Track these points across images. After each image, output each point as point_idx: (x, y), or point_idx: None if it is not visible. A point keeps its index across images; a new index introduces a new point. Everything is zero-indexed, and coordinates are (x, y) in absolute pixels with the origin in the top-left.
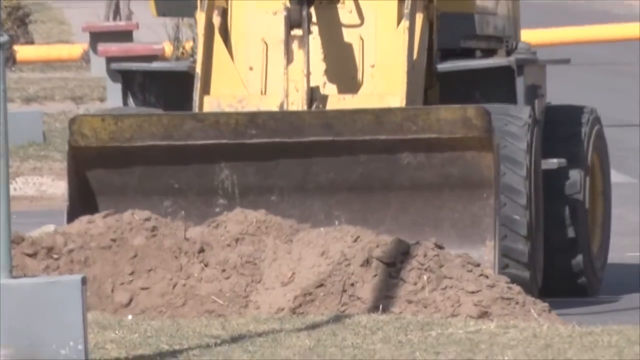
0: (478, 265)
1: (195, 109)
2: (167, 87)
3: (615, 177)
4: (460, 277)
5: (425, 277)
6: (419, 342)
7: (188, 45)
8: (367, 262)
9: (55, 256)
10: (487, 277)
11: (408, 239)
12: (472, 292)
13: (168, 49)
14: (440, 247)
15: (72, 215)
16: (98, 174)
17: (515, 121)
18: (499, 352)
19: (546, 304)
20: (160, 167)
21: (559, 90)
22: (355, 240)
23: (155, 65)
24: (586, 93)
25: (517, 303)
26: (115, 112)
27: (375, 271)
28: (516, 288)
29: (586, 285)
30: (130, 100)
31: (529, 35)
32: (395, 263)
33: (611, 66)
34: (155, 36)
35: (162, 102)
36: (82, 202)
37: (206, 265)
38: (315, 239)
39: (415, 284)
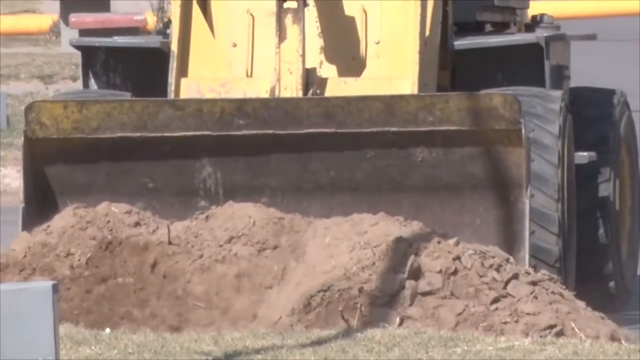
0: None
1: (171, 94)
2: (136, 67)
3: None
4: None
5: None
6: None
7: None
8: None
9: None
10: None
11: None
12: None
13: (151, 20)
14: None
15: (27, 219)
16: (59, 170)
17: (545, 103)
18: None
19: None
20: (131, 162)
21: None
22: (370, 239)
23: (121, 41)
24: (612, 72)
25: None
26: (74, 96)
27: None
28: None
29: (614, 296)
30: (92, 82)
31: (546, 7)
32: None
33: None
34: (135, 5)
35: (129, 84)
36: (39, 203)
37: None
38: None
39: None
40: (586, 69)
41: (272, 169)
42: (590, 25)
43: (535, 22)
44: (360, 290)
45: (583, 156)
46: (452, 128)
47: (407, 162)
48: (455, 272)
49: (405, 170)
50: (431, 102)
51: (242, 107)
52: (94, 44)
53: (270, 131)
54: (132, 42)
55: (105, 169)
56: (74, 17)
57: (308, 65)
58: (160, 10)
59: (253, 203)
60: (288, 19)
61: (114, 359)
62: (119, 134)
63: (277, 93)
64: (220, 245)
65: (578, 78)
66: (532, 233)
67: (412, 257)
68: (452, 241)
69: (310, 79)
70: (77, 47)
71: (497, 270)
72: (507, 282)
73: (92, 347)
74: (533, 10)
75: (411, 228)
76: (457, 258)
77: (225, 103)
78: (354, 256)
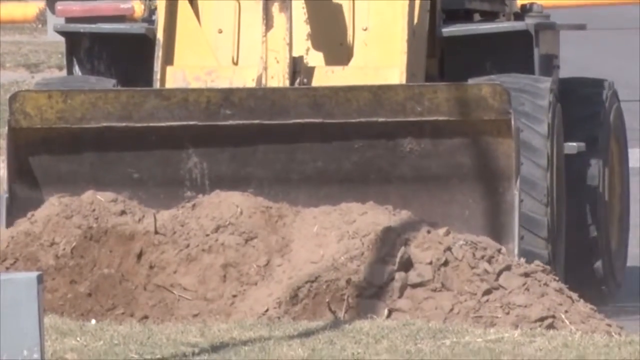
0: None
1: (157, 83)
2: (120, 54)
3: None
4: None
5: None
6: (430, 352)
7: None
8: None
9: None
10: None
11: None
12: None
13: (138, 8)
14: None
15: (11, 210)
16: (43, 160)
17: (533, 99)
18: None
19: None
20: (116, 153)
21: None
22: (358, 229)
23: (106, 27)
24: (600, 61)
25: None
26: (56, 83)
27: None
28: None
29: (605, 291)
30: (77, 69)
31: None
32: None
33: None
34: None
35: (113, 71)
36: (24, 194)
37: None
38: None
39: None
40: (575, 58)
41: (259, 159)
42: (579, 15)
43: (524, 11)
44: (348, 281)
45: (572, 147)
46: (441, 118)
47: (396, 152)
48: (445, 263)
49: (394, 161)
50: (420, 92)
51: (228, 97)
52: (78, 29)
53: (257, 121)
54: (117, 28)
55: (90, 159)
56: (60, 5)
57: (295, 53)
58: None
59: (240, 192)
60: (275, 7)
61: (99, 350)
62: (104, 124)
63: (263, 82)
64: (207, 235)
65: (567, 67)
66: (521, 238)
67: (401, 248)
68: (442, 231)
69: (297, 67)
70: (62, 33)
71: (489, 261)
72: (499, 274)
73: (78, 339)
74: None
75: (400, 217)
76: (448, 249)
77: (211, 93)
78: (342, 246)
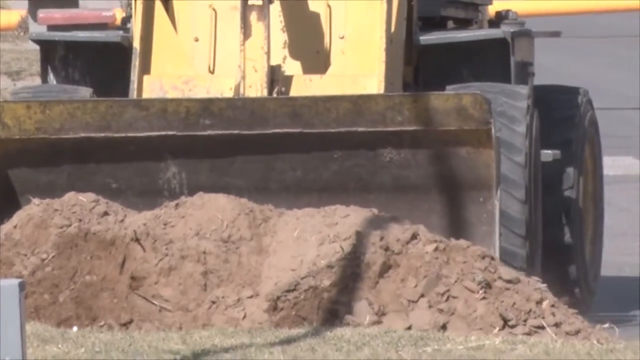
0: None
1: (134, 92)
2: (95, 62)
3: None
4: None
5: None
6: (411, 359)
7: None
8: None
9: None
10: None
11: None
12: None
13: (119, 16)
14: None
15: None
16: (22, 171)
17: (512, 101)
18: None
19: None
20: (94, 163)
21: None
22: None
23: (81, 35)
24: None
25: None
26: (33, 92)
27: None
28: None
29: (577, 294)
30: (51, 77)
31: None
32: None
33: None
34: (104, 2)
35: (88, 79)
36: (2, 205)
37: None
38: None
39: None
40: (550, 65)
41: (238, 169)
42: (554, 23)
43: (500, 18)
44: (329, 287)
45: (548, 154)
46: (421, 128)
47: (375, 162)
48: (431, 266)
49: (373, 170)
50: (399, 102)
51: (207, 107)
52: (53, 38)
53: (236, 131)
54: (92, 36)
55: (68, 169)
56: (42, 13)
57: (272, 62)
58: (129, 7)
59: (224, 194)
60: (253, 16)
61: (81, 357)
62: (82, 135)
63: (241, 91)
64: (190, 238)
65: (542, 74)
66: (499, 235)
67: (382, 252)
68: (425, 234)
69: (275, 76)
70: (36, 42)
71: (476, 263)
72: (485, 276)
73: (59, 346)
74: (496, 6)
75: (383, 220)
76: (435, 250)
77: (190, 103)
78: (322, 251)
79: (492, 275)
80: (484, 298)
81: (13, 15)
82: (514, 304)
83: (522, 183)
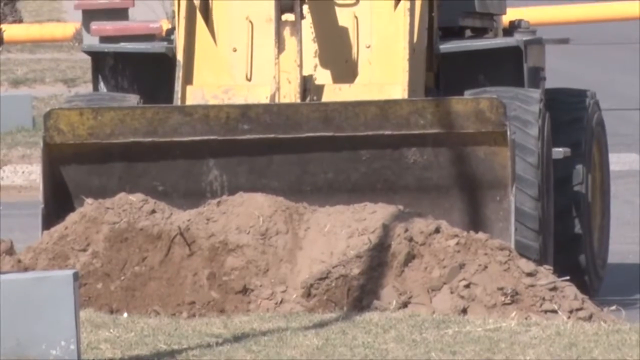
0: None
1: (178, 101)
2: (142, 71)
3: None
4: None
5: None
6: (434, 341)
7: None
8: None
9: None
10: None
11: None
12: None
13: (166, 27)
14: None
15: (47, 220)
16: (75, 174)
17: (525, 106)
18: (520, 352)
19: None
20: (142, 166)
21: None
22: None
23: (129, 47)
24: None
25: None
26: (86, 99)
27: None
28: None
29: (588, 285)
30: (102, 85)
31: (526, 13)
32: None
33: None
34: (152, 14)
35: (135, 87)
36: (58, 205)
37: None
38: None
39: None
40: (561, 69)
41: (274, 171)
42: (564, 31)
43: (513, 27)
44: (358, 275)
45: (559, 152)
46: (443, 131)
47: (400, 163)
48: (453, 257)
49: (398, 171)
50: (422, 106)
51: (246, 112)
52: (103, 49)
53: (272, 135)
54: (138, 47)
55: (118, 172)
56: (94, 25)
57: (304, 72)
58: (173, 19)
59: (262, 193)
60: (286, 32)
61: (131, 341)
62: (131, 139)
63: (277, 100)
64: (231, 232)
65: (554, 78)
66: (515, 230)
67: (407, 243)
68: (447, 228)
69: (308, 85)
70: (88, 53)
71: (497, 255)
72: (508, 269)
73: (111, 330)
74: (510, 16)
75: (408, 215)
76: (456, 243)
77: (230, 109)
78: (351, 243)
79: (514, 277)
80: (502, 288)
81: (68, 28)
82: (531, 291)
83: (535, 182)
